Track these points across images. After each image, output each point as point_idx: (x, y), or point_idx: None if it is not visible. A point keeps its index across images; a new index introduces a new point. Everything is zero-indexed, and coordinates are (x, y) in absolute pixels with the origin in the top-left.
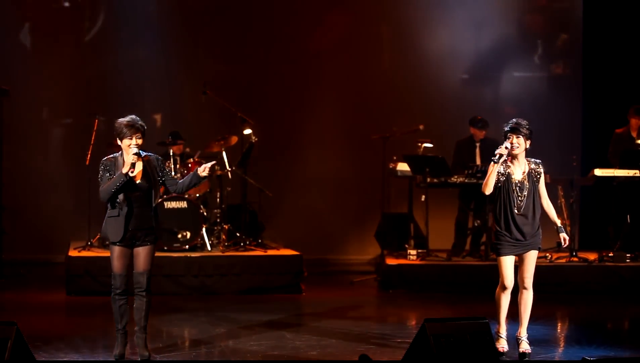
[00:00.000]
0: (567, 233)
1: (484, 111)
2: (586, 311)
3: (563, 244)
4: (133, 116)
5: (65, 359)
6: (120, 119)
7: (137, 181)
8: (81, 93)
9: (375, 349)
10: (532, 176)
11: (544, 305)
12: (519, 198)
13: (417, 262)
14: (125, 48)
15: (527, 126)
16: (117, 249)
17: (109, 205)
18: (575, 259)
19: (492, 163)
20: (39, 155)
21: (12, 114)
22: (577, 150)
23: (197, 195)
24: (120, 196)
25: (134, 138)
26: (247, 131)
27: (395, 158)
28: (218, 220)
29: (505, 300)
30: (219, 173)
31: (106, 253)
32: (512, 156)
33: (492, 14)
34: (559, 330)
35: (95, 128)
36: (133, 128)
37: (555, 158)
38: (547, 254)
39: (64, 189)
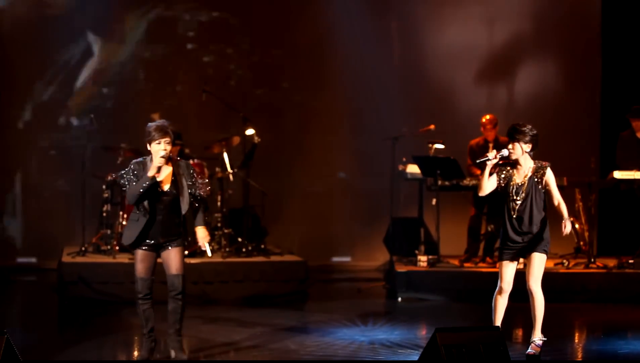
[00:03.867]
0: (583, 241)
1: (498, 110)
2: (605, 320)
3: (563, 229)
4: (163, 120)
5: None
6: (151, 123)
7: (165, 188)
8: (75, 92)
9: (383, 360)
10: (533, 179)
11: (560, 314)
12: (516, 201)
13: (428, 269)
14: (122, 43)
15: (523, 130)
16: (139, 252)
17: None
18: (594, 265)
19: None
20: (31, 157)
21: (2, 114)
22: (596, 151)
23: None
24: (145, 203)
25: (162, 143)
26: (250, 132)
27: (404, 159)
28: (219, 225)
29: (501, 303)
30: (219, 175)
31: (101, 259)
32: (515, 161)
33: (506, 8)
34: (576, 341)
35: (90, 129)
36: (162, 132)
37: (573, 159)
38: (564, 260)
39: (57, 192)
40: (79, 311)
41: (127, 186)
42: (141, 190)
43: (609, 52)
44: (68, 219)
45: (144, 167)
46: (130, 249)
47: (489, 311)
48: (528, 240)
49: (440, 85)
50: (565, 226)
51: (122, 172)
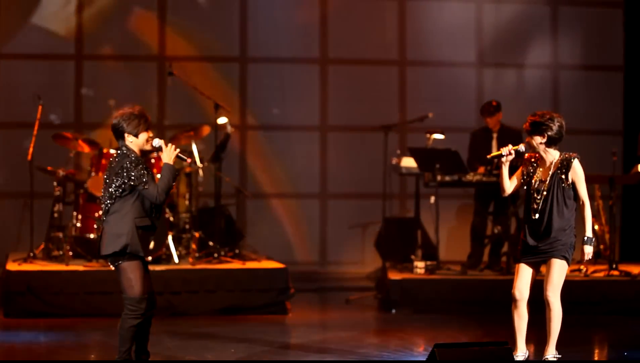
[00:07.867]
0: (603, 245)
1: (506, 94)
2: (628, 335)
3: (583, 259)
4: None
5: None
6: (127, 109)
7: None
8: (21, 75)
9: None
10: (556, 174)
11: (577, 328)
12: (536, 200)
13: (426, 276)
14: (75, 18)
15: (540, 122)
16: (141, 265)
17: (128, 213)
18: (616, 272)
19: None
20: None
21: None
22: (618, 142)
23: None
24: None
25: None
26: (222, 120)
27: (399, 151)
28: (187, 227)
29: (517, 315)
30: (187, 170)
31: (52, 266)
32: (538, 154)
33: None
34: (596, 358)
35: (38, 116)
36: (146, 119)
37: (591, 150)
38: (582, 267)
39: (1, 190)
40: (26, 324)
41: (148, 183)
42: (173, 182)
43: (633, 26)
44: (13, 221)
45: (142, 162)
46: (133, 260)
47: (495, 324)
48: (547, 245)
49: (439, 67)
50: (585, 253)
51: (130, 171)
